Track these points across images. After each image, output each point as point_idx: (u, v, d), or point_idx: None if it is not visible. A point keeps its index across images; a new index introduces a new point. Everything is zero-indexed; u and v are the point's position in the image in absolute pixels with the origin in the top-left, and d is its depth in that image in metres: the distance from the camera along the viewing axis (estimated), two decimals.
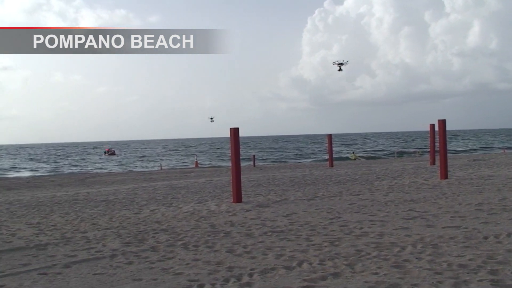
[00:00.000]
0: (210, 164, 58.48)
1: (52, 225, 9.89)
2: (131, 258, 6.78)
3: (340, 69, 52.37)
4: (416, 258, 5.96)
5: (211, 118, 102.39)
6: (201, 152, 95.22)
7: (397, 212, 9.44)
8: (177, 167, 50.47)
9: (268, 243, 7.29)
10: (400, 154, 56.62)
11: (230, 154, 12.83)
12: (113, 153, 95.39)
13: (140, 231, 8.78)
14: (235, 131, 12.48)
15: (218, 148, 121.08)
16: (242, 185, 13.13)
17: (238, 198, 12.04)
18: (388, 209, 9.85)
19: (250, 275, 5.66)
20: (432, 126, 21.38)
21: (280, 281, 5.40)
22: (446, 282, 5.02)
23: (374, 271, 5.53)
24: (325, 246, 6.83)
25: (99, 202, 13.90)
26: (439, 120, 16.19)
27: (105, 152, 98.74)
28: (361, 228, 8.02)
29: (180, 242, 7.65)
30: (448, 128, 16.55)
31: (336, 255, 6.31)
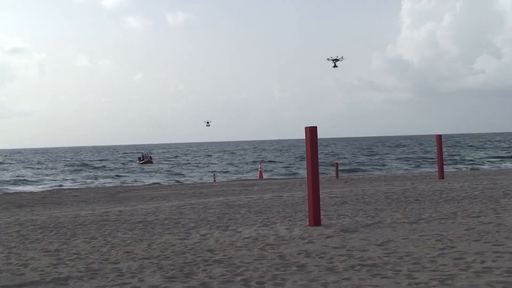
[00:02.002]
0: (279, 173, 58.58)
1: (75, 253, 10.16)
2: None
3: (335, 66, 60.40)
4: None
5: (207, 122, 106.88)
6: (266, 159, 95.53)
7: None
8: (235, 178, 50.87)
9: (356, 280, 7.23)
10: None
11: (305, 162, 12.78)
12: (149, 161, 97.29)
13: (187, 262, 8.89)
14: (312, 131, 12.43)
15: (281, 151, 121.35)
16: (321, 202, 13.07)
17: (316, 220, 12.03)
18: None
19: None
20: None
21: None
22: None
23: None
24: (433, 286, 6.72)
25: (135, 224, 14.20)
26: None
27: (139, 159, 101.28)
28: (483, 262, 7.84)
29: (239, 278, 7.69)
30: None
31: None
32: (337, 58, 61.72)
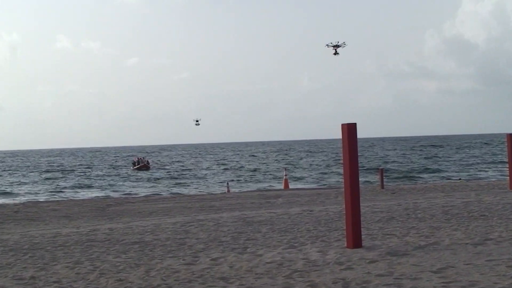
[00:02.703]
0: (309, 182, 58.50)
1: (55, 281, 10.20)
2: None
3: (336, 53, 64.84)
4: None
5: (197, 121, 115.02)
6: (292, 164, 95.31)
7: None
8: (255, 189, 50.85)
9: None
10: None
11: (342, 168, 12.76)
12: (145, 166, 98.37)
13: None
14: (350, 129, 12.39)
15: (312, 154, 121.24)
16: (362, 219, 13.04)
17: (355, 241, 12.01)
18: None
19: None
20: None
21: None
22: None
23: None
24: None
25: (129, 245, 14.25)
26: None
27: (133, 164, 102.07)
28: None
29: None
30: None
31: None
32: (338, 44, 65.62)
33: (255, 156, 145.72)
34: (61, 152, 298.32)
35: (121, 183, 69.74)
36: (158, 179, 75.26)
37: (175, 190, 56.05)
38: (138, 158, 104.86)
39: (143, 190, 57.32)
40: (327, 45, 65.62)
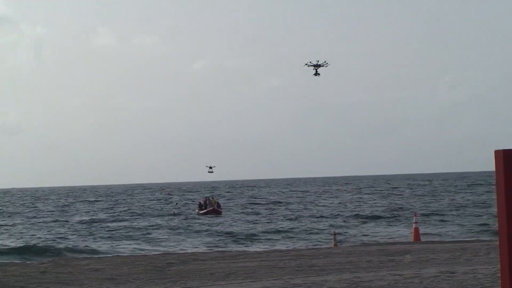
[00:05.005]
0: (447, 233, 57.85)
1: None
2: None
3: (316, 74, 71.26)
4: None
5: (210, 168, 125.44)
6: (425, 207, 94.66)
7: None
8: (372, 241, 50.37)
9: None
10: None
11: (496, 211, 11.98)
12: (216, 210, 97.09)
13: None
14: (507, 157, 11.67)
15: (450, 192, 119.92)
16: None
17: None
18: None
19: None
20: None
21: None
22: None
23: None
24: None
25: None
26: None
27: (200, 206, 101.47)
28: None
29: None
30: None
31: None
32: (319, 63, 70.96)
33: (373, 195, 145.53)
34: (97, 189, 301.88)
35: (182, 231, 69.38)
36: (234, 226, 74.67)
37: (259, 242, 55.80)
38: (205, 199, 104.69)
39: (211, 242, 57.04)
40: (306, 64, 71.10)
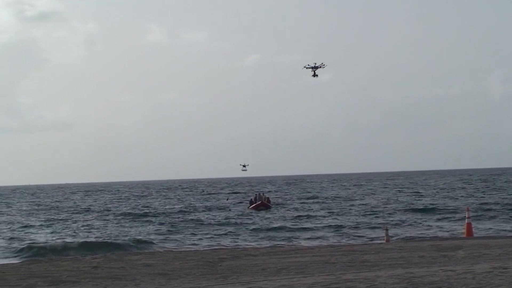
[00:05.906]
0: (502, 227, 57.19)
1: None
2: None
3: (314, 75, 73.36)
4: None
5: (244, 166, 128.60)
6: (479, 202, 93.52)
7: None
8: (424, 236, 49.91)
9: None
10: None
11: None
12: (265, 204, 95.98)
13: None
14: None
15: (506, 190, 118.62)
16: None
17: None
18: None
19: None
20: None
21: None
22: None
23: None
24: None
25: None
26: None
27: (251, 202, 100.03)
28: None
29: None
30: None
31: None
32: (317, 65, 73.28)
33: (425, 190, 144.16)
34: (149, 184, 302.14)
35: (233, 226, 68.79)
36: (284, 220, 74.10)
37: (309, 238, 55.42)
38: (257, 195, 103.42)
39: (262, 238, 56.34)
40: (305, 67, 73.07)
